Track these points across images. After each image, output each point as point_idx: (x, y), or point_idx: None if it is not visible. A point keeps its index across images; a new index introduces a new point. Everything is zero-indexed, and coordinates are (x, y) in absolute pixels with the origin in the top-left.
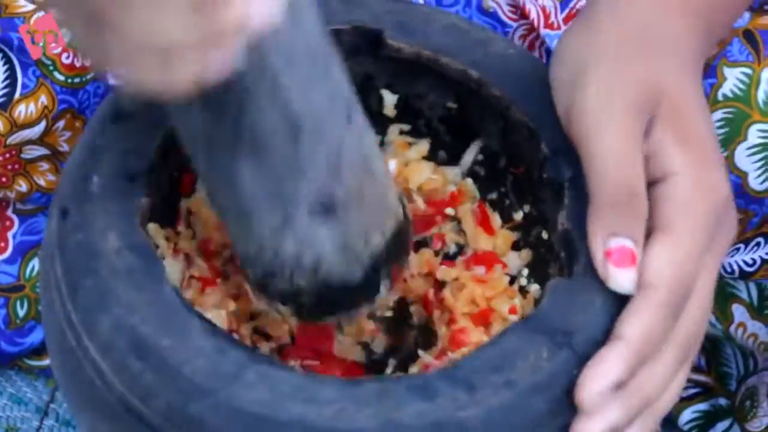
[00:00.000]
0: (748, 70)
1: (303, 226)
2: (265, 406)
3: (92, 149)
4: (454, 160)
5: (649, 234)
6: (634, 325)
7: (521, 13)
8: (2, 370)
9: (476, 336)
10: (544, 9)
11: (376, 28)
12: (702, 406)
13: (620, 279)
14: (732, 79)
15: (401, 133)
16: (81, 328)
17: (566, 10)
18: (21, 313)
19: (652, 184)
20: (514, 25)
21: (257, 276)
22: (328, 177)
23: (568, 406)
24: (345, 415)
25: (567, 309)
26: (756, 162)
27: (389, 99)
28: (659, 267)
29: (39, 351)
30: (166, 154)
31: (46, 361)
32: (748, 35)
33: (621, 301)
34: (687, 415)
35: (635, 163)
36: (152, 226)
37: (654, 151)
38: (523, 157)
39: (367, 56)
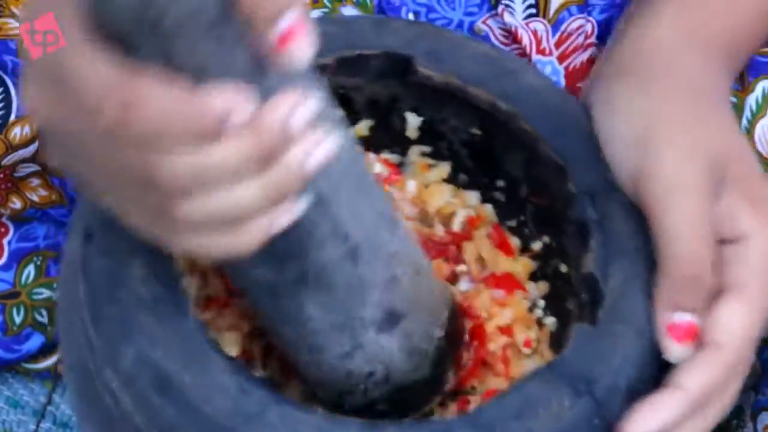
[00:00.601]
0: (732, 99)
1: (372, 344)
2: None
3: None
4: (474, 185)
5: (719, 291)
6: (696, 378)
7: (513, 38)
8: None
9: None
10: (535, 34)
11: (407, 54)
12: None
13: (677, 352)
14: None
15: (422, 154)
16: (102, 356)
17: (557, 35)
18: (18, 320)
19: (723, 243)
20: (506, 50)
21: (332, 396)
22: (387, 291)
23: None
24: None
25: (590, 356)
26: None
27: (413, 121)
28: (731, 329)
29: (36, 357)
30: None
31: (42, 364)
32: None
33: (645, 351)
34: None
35: (707, 239)
36: None
37: (725, 213)
38: (548, 190)
39: (395, 80)
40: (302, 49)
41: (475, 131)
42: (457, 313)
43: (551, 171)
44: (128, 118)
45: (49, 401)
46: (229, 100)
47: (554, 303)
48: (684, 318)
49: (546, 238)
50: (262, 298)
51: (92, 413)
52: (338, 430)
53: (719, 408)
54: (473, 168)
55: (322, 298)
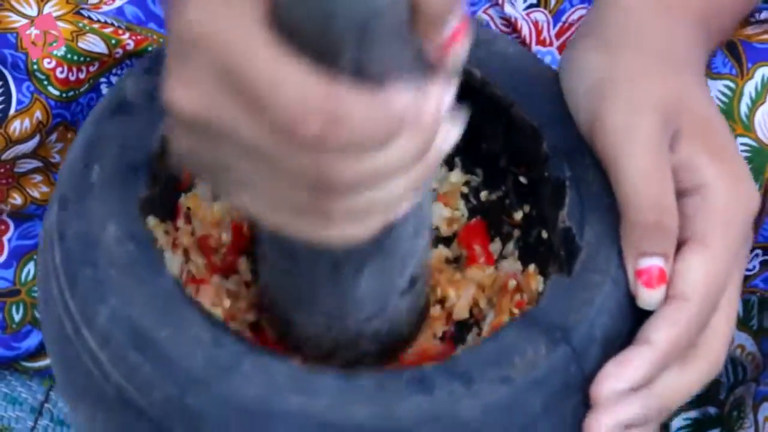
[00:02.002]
0: (730, 84)
1: (392, 307)
2: (262, 397)
3: (93, 140)
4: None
5: (681, 244)
6: (663, 333)
7: (513, 28)
8: None
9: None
10: (536, 24)
11: None
12: (693, 414)
13: (649, 298)
14: (714, 91)
15: None
16: (79, 318)
17: (558, 26)
18: (17, 317)
19: (682, 195)
20: (507, 38)
21: (321, 352)
22: (419, 259)
23: (564, 402)
24: (342, 407)
25: (566, 306)
26: None
27: None
28: (695, 279)
29: (35, 354)
30: (167, 147)
31: (41, 363)
32: (731, 47)
33: (621, 301)
34: (678, 422)
35: (664, 180)
36: (152, 220)
37: (683, 163)
38: (525, 156)
39: None
40: (463, 50)
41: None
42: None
43: (527, 135)
44: (337, 131)
45: (47, 398)
46: (410, 102)
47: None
48: (652, 262)
49: (527, 207)
50: (313, 267)
51: (73, 378)
52: (314, 378)
53: (698, 365)
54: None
55: (382, 267)
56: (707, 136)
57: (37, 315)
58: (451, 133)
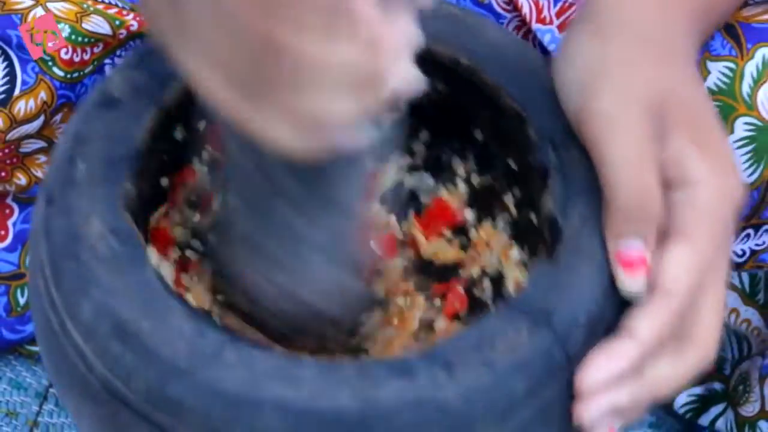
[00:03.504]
0: (731, 64)
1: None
2: (244, 386)
3: (78, 136)
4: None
5: (666, 236)
6: (646, 325)
7: (514, 6)
8: (1, 355)
9: None
10: (537, 3)
11: None
12: (697, 390)
13: (629, 283)
14: (715, 72)
15: None
16: (64, 312)
17: (559, 4)
18: (22, 300)
19: (669, 188)
20: (508, 16)
21: (286, 330)
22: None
23: (547, 385)
24: (324, 394)
25: (548, 290)
26: (744, 155)
27: None
28: (678, 273)
29: None
30: (153, 142)
31: None
32: (729, 29)
33: (605, 285)
34: (682, 398)
35: (648, 168)
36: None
37: (671, 156)
38: (513, 143)
39: None
40: None
41: (442, 88)
42: None
43: (515, 122)
44: None
45: (52, 383)
46: (373, 12)
47: (532, 255)
48: (633, 247)
49: (517, 192)
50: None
51: (60, 370)
52: (296, 367)
53: (690, 351)
54: (446, 129)
55: (333, 225)
56: (696, 128)
57: None
58: (402, 72)
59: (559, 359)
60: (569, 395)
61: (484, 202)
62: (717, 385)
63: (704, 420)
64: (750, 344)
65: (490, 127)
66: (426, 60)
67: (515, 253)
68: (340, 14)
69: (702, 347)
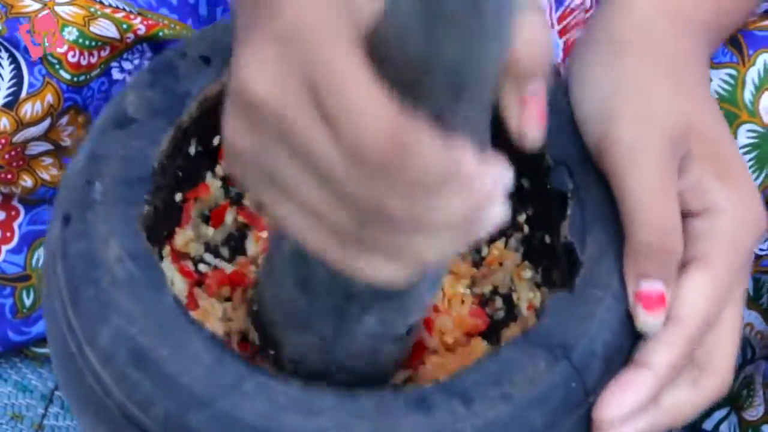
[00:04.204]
0: (732, 71)
1: (384, 351)
2: (263, 417)
3: (95, 156)
4: None
5: (684, 263)
6: (662, 355)
7: None
8: (7, 358)
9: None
10: None
11: None
12: None
13: (647, 322)
14: (716, 80)
15: None
16: (82, 337)
17: (561, 9)
18: (27, 302)
19: (689, 216)
20: None
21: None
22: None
23: (566, 418)
24: (342, 427)
25: (566, 322)
26: (748, 162)
27: None
28: (695, 302)
29: (45, 340)
30: (169, 162)
31: None
32: (730, 36)
33: (622, 316)
34: None
35: (670, 202)
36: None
37: (692, 186)
38: (528, 165)
39: None
40: (541, 132)
41: None
42: None
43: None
44: (404, 163)
45: (57, 386)
46: (475, 163)
47: (544, 274)
48: (653, 286)
49: (530, 211)
50: (324, 297)
51: (78, 394)
52: (315, 399)
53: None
54: None
55: (389, 311)
56: (717, 159)
57: None
58: (497, 214)
59: (577, 392)
60: (587, 428)
61: None
62: None
63: (708, 424)
64: (753, 348)
65: (504, 148)
66: None
67: (528, 273)
68: (452, 177)
69: (719, 375)
